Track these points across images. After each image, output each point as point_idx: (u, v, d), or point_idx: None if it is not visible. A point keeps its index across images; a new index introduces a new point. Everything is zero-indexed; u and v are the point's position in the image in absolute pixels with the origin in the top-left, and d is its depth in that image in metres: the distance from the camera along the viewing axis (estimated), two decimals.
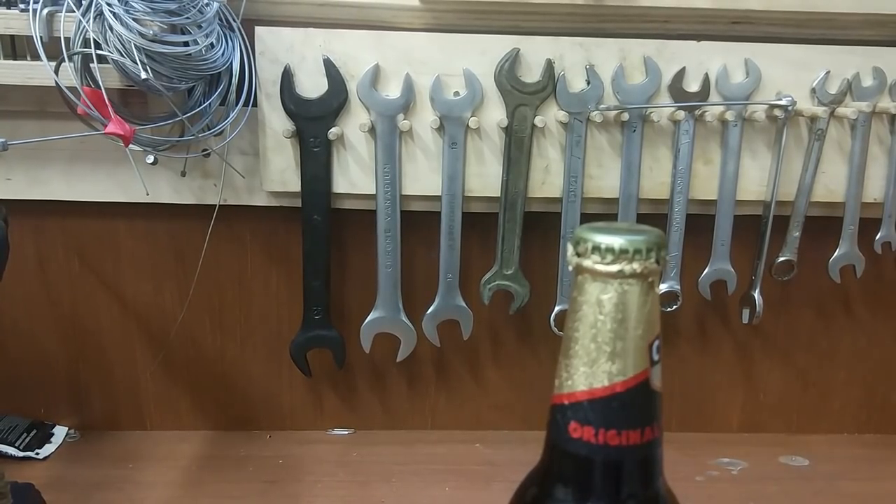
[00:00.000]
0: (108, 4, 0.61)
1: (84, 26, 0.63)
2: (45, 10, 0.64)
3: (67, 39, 0.64)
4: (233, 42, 0.70)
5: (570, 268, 0.29)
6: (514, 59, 0.73)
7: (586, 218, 0.78)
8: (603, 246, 0.27)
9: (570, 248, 0.29)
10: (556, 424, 0.27)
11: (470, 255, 0.81)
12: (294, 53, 0.73)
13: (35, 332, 0.84)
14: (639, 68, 0.74)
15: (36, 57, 0.64)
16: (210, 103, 0.70)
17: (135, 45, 0.61)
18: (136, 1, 0.61)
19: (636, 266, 0.27)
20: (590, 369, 0.29)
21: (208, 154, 0.75)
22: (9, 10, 0.65)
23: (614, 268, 0.27)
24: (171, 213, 0.79)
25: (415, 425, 0.89)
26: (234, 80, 0.70)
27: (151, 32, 0.62)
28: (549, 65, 0.73)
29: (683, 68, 0.74)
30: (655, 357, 0.29)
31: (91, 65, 0.64)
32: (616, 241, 0.27)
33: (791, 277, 0.82)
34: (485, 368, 0.87)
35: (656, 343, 0.29)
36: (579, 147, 0.75)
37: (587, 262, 0.28)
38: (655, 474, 0.32)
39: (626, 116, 0.74)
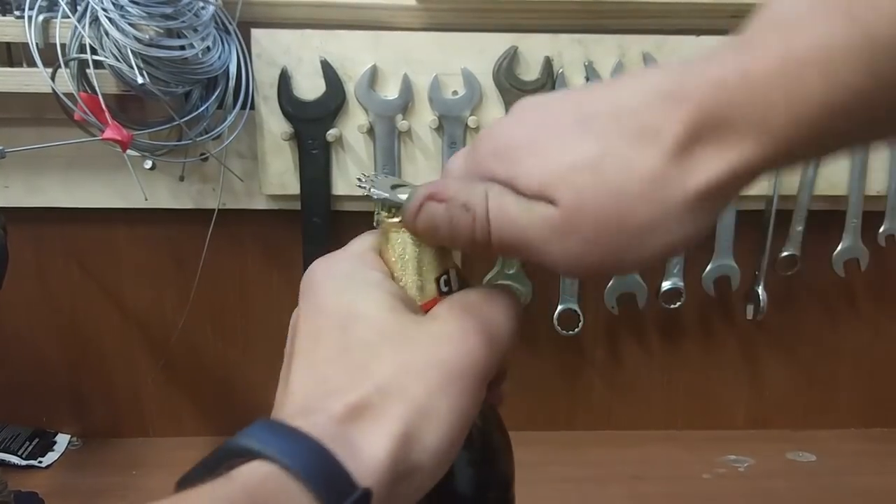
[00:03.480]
0: (104, 10, 0.61)
1: (80, 32, 0.62)
2: (41, 17, 0.64)
3: (63, 45, 0.63)
4: (229, 45, 0.69)
5: (375, 225, 0.36)
6: (512, 57, 0.73)
7: None
8: (388, 204, 0.35)
9: (376, 211, 0.36)
10: None
11: (472, 256, 0.80)
12: (291, 55, 0.72)
13: (36, 340, 0.84)
14: (638, 64, 0.74)
15: (32, 64, 0.64)
16: (207, 107, 0.70)
17: (131, 49, 0.61)
18: (131, 6, 0.61)
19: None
20: None
21: (206, 158, 0.74)
22: (4, 18, 0.65)
23: (397, 219, 0.34)
24: (170, 218, 0.79)
25: None
26: (231, 84, 0.70)
27: (147, 37, 0.62)
28: (548, 62, 0.73)
29: None
30: (444, 289, 0.35)
31: (87, 70, 0.64)
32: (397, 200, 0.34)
33: (795, 272, 0.82)
34: None
35: (444, 278, 0.35)
36: None
37: (380, 218, 0.35)
38: None
39: None
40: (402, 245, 0.34)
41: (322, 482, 0.26)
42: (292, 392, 0.31)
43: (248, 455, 0.27)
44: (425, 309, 0.34)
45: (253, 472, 0.27)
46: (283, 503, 0.26)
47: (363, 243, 0.35)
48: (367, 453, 0.28)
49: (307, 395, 0.31)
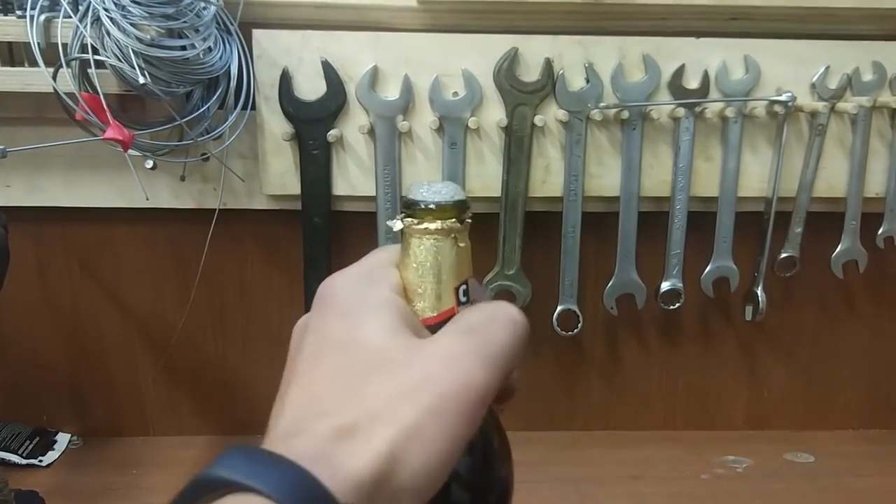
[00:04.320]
0: (106, 10, 0.61)
1: (81, 32, 0.62)
2: (43, 17, 0.64)
3: (65, 45, 0.64)
4: (230, 45, 0.70)
5: (391, 232, 0.36)
6: (512, 58, 0.73)
7: (587, 217, 0.77)
8: (414, 207, 0.34)
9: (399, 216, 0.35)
10: None
11: (471, 256, 0.80)
12: (292, 56, 0.72)
13: (36, 339, 0.84)
14: (638, 66, 0.74)
15: (33, 63, 0.64)
16: (208, 107, 0.70)
17: (132, 49, 0.61)
18: (133, 6, 0.61)
19: (438, 224, 0.34)
20: (415, 306, 0.34)
21: (207, 158, 0.74)
22: (6, 17, 0.65)
23: (420, 224, 0.34)
24: (171, 217, 0.79)
25: None
26: (233, 84, 0.70)
27: (149, 37, 0.62)
28: (548, 64, 0.73)
29: (683, 65, 0.74)
30: (463, 298, 0.35)
31: (89, 70, 0.64)
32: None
33: (794, 273, 0.82)
34: None
35: (463, 287, 0.35)
36: (579, 146, 0.75)
37: (404, 223, 0.34)
38: None
39: (625, 114, 0.74)
40: (424, 252, 0.34)
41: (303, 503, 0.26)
42: (283, 413, 0.31)
43: (224, 486, 0.27)
44: (442, 318, 0.34)
45: None
46: None
47: (378, 257, 0.35)
48: (349, 471, 0.27)
49: (297, 417, 0.30)
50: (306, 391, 0.31)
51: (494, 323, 0.33)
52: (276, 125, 0.74)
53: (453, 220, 0.34)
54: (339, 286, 0.34)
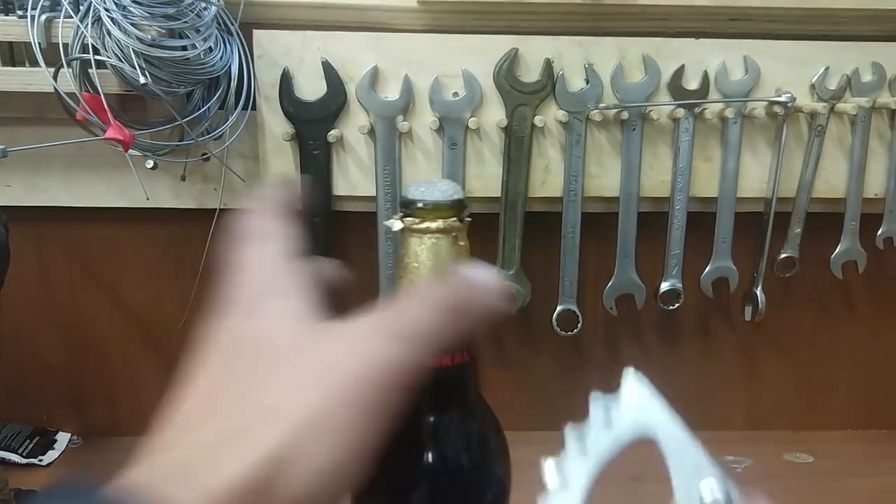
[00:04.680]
0: (107, 10, 0.61)
1: (82, 32, 0.63)
2: (44, 17, 0.64)
3: (66, 45, 0.64)
4: (231, 46, 0.70)
5: (390, 230, 0.37)
6: (512, 58, 0.73)
7: (587, 217, 0.78)
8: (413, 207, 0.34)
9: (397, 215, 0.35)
10: None
11: (471, 256, 0.80)
12: (292, 56, 0.73)
13: (37, 338, 0.84)
14: (638, 66, 0.74)
15: (34, 63, 0.64)
16: (209, 107, 0.70)
17: (133, 49, 0.61)
18: (133, 6, 0.61)
19: (440, 223, 0.34)
20: None
21: (208, 158, 0.74)
22: (7, 17, 0.66)
23: (419, 224, 0.34)
24: (172, 217, 0.79)
25: None
26: (233, 84, 0.70)
27: (150, 37, 0.62)
28: (548, 64, 0.73)
29: (682, 66, 0.74)
30: None
31: (90, 70, 0.64)
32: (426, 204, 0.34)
33: (793, 274, 0.82)
34: (486, 368, 0.87)
35: None
36: (579, 146, 0.75)
37: (405, 223, 0.35)
38: (470, 389, 0.40)
39: (625, 115, 0.74)
40: (424, 251, 0.34)
41: None
42: (165, 427, 0.28)
43: None
44: None
45: None
46: None
47: (268, 252, 0.32)
48: (211, 488, 0.24)
49: (182, 426, 0.28)
50: (198, 401, 0.29)
51: (413, 301, 0.30)
52: (276, 125, 0.74)
53: (454, 218, 0.35)
54: (239, 287, 0.32)
